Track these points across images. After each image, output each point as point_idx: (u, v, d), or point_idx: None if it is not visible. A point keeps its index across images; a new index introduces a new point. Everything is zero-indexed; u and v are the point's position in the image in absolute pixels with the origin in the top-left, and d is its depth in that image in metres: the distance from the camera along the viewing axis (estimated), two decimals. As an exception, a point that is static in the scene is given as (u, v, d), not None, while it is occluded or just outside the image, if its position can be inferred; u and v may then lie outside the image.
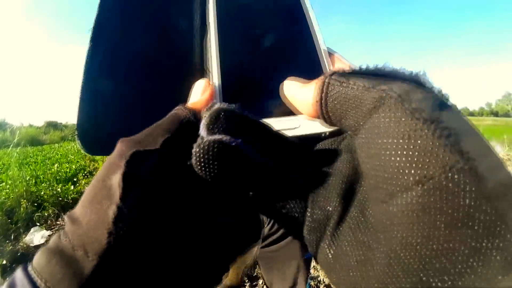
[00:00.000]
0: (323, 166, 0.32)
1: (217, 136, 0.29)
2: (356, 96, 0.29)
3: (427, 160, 0.24)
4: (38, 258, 0.29)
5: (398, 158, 0.25)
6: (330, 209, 0.30)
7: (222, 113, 0.31)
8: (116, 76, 0.46)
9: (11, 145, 8.28)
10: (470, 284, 0.21)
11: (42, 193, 6.23)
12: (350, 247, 0.28)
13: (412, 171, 0.24)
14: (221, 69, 0.40)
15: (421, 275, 0.23)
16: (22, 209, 5.29)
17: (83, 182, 7.75)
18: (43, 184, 7.02)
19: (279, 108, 0.39)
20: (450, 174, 0.23)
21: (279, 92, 0.38)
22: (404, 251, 0.24)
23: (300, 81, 0.36)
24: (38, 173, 8.20)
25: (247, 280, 3.51)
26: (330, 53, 0.43)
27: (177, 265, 0.30)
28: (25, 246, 4.26)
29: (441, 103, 0.26)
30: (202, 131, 0.30)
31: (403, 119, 0.25)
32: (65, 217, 0.31)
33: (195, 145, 0.29)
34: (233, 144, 0.28)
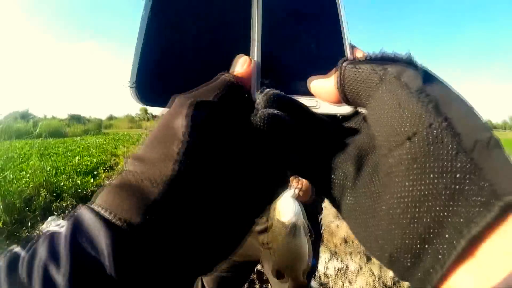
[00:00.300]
0: (344, 138, 0.41)
1: (272, 110, 0.38)
2: (364, 77, 0.36)
3: (413, 121, 0.30)
4: (102, 196, 0.33)
5: (393, 120, 0.32)
6: (348, 169, 0.37)
7: (273, 96, 0.40)
8: (170, 38, 0.51)
9: (33, 136, 8.38)
10: (449, 221, 0.27)
11: (62, 184, 6.32)
12: (364, 197, 0.35)
13: (403, 130, 0.31)
14: (260, 50, 0.48)
15: (414, 214, 0.29)
16: (40, 198, 5.36)
17: (103, 175, 7.86)
18: (63, 176, 7.13)
19: (304, 88, 0.46)
20: (430, 130, 0.29)
21: (309, 86, 0.45)
22: (401, 193, 0.30)
23: (321, 77, 0.43)
24: (58, 165, 8.34)
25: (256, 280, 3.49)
26: (353, 47, 0.50)
27: (226, 196, 0.36)
28: (40, 234, 4.24)
29: (425, 77, 0.33)
30: (258, 106, 0.40)
31: (397, 90, 0.33)
32: (128, 160, 0.36)
33: (254, 113, 0.38)
34: (283, 117, 0.38)
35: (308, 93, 0.45)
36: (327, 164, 0.39)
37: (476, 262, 0.25)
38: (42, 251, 0.30)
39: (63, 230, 0.31)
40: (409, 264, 0.29)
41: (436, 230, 0.27)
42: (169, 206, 0.32)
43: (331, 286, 3.61)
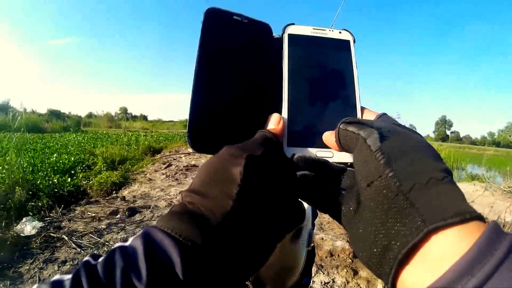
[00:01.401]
0: (352, 180, 0.51)
1: (303, 172, 0.52)
2: (349, 136, 0.50)
3: (371, 173, 0.43)
4: (167, 221, 0.42)
5: (362, 172, 0.45)
6: (352, 205, 0.46)
7: (302, 160, 0.54)
8: (214, 97, 0.61)
9: (11, 130, 8.21)
10: (395, 240, 0.37)
11: (38, 182, 6.20)
12: (358, 221, 0.44)
13: (366, 179, 0.43)
14: (289, 110, 0.60)
15: (375, 236, 0.40)
16: (16, 196, 5.23)
17: (80, 175, 7.75)
18: (39, 173, 7.00)
19: (323, 142, 0.58)
20: (380, 179, 0.41)
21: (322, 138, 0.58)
22: (367, 221, 0.42)
23: (330, 132, 0.56)
24: (36, 162, 8.20)
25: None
26: (362, 108, 0.63)
27: (264, 227, 0.47)
28: (15, 235, 4.19)
29: (381, 138, 0.44)
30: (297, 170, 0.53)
31: (364, 151, 0.45)
32: (185, 193, 0.47)
33: (298, 176, 0.52)
34: (310, 176, 0.52)
35: (326, 146, 0.58)
36: (338, 204, 0.50)
37: (413, 267, 0.36)
38: (119, 261, 0.38)
39: (131, 244, 0.40)
40: (377, 268, 0.40)
41: (389, 246, 0.38)
42: (225, 233, 0.42)
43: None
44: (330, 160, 0.56)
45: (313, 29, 0.66)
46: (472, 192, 7.93)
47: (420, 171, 0.40)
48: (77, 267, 0.38)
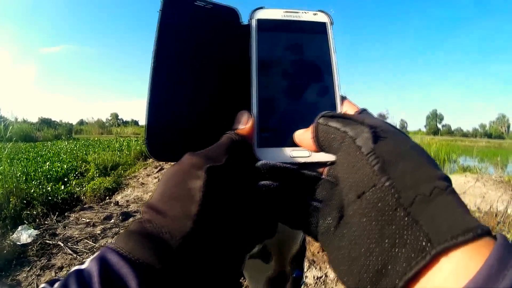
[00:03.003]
0: (329, 189, 0.45)
1: (264, 182, 0.46)
2: (332, 132, 0.45)
3: (362, 182, 0.37)
4: (124, 242, 0.38)
5: (349, 180, 0.40)
6: (331, 220, 0.42)
7: (264, 168, 0.47)
8: (174, 96, 0.55)
9: (3, 140, 8.18)
10: (392, 264, 0.32)
11: (32, 191, 6.17)
12: (339, 239, 0.40)
13: (355, 189, 0.38)
14: (258, 105, 0.53)
15: (366, 258, 0.35)
16: (10, 206, 5.22)
17: (73, 182, 7.72)
18: (33, 182, 6.95)
19: None
20: (375, 190, 0.35)
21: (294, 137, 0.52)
22: (356, 240, 0.36)
23: (304, 129, 0.50)
24: (29, 170, 8.14)
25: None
26: (343, 97, 0.56)
27: (228, 245, 0.43)
28: (11, 244, 4.20)
29: (375, 138, 0.39)
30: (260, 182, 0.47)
31: (352, 153, 0.40)
32: (144, 208, 0.42)
33: (258, 187, 0.46)
34: (273, 186, 0.46)
35: None
36: (315, 218, 0.45)
37: None
38: (73, 286, 0.34)
39: (87, 267, 0.36)
40: None
41: (383, 271, 0.33)
42: (185, 255, 0.38)
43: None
44: (308, 160, 0.51)
45: (285, 12, 0.59)
46: (464, 184, 7.96)
47: (421, 180, 0.35)
48: None
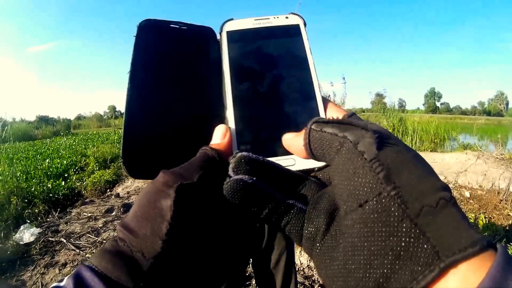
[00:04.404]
0: (315, 192, 0.44)
1: (239, 176, 0.41)
2: (327, 139, 0.41)
3: (365, 190, 0.34)
4: (99, 259, 0.38)
5: (350, 187, 0.36)
6: (319, 225, 0.39)
7: (243, 159, 0.43)
8: (150, 116, 0.56)
9: (2, 140, 8.19)
10: (396, 277, 0.30)
11: (33, 189, 6.20)
12: (330, 248, 0.37)
13: (357, 197, 0.35)
14: (235, 117, 0.52)
15: (366, 270, 0.32)
16: (12, 206, 5.24)
17: (74, 177, 7.74)
18: (33, 180, 7.00)
19: (281, 148, 0.49)
20: (379, 199, 0.33)
21: (282, 142, 0.49)
22: (354, 251, 0.34)
23: (294, 134, 0.47)
24: (29, 169, 8.18)
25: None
26: (325, 100, 0.55)
27: (204, 264, 0.43)
28: (14, 244, 4.21)
29: (380, 144, 0.36)
30: (230, 172, 0.42)
31: (354, 159, 0.36)
32: (119, 226, 0.42)
33: (225, 182, 0.41)
34: (250, 181, 0.41)
35: (285, 153, 0.50)
36: (299, 221, 0.41)
37: None
38: None
39: (64, 285, 0.37)
40: None
41: (385, 285, 0.30)
42: (156, 275, 0.38)
43: (315, 279, 3.62)
44: (292, 168, 0.49)
45: (255, 20, 0.59)
46: (465, 161, 7.98)
47: (426, 190, 0.33)
48: None
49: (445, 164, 8.05)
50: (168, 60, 0.59)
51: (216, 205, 0.44)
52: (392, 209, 0.32)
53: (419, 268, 0.29)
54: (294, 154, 0.49)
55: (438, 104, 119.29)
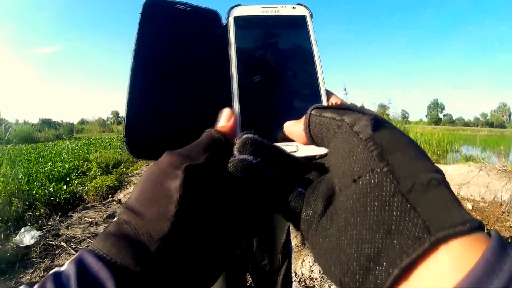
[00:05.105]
0: (315, 177, 0.45)
1: (243, 156, 0.43)
2: (326, 123, 0.43)
3: (359, 166, 0.35)
4: (102, 243, 0.38)
5: (345, 165, 0.37)
6: (317, 208, 0.40)
7: (248, 141, 0.45)
8: (153, 94, 0.56)
9: (4, 142, 8.22)
10: (387, 251, 0.30)
11: (34, 192, 6.17)
12: (325, 228, 0.38)
13: (351, 173, 0.36)
14: (240, 101, 0.53)
15: (358, 245, 0.33)
16: (13, 208, 5.24)
17: (76, 182, 7.74)
18: (35, 183, 6.96)
19: (283, 135, 0.51)
20: (372, 175, 0.34)
21: (284, 130, 0.51)
22: (346, 226, 0.34)
23: (295, 121, 0.49)
24: (30, 172, 8.15)
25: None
26: (329, 93, 0.56)
27: (209, 244, 0.41)
28: (14, 246, 4.20)
29: (375, 126, 0.37)
30: (235, 152, 0.44)
31: (349, 139, 0.38)
32: (122, 209, 0.41)
33: (230, 161, 0.43)
34: (254, 162, 0.42)
35: (287, 140, 0.51)
36: (298, 203, 0.42)
37: (410, 284, 0.29)
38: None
39: (65, 269, 0.36)
40: None
41: (376, 259, 0.31)
42: (163, 257, 0.37)
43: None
44: (295, 155, 0.50)
45: (263, 7, 0.60)
46: (467, 173, 7.93)
47: (419, 170, 0.34)
48: None
49: (448, 176, 7.87)
50: (173, 39, 0.60)
51: (221, 187, 0.43)
52: (384, 184, 0.33)
53: (409, 242, 0.29)
54: (295, 141, 0.50)
55: (441, 115, 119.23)
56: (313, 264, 3.89)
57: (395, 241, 0.30)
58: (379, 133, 0.37)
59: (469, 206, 5.79)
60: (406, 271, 0.29)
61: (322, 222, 0.39)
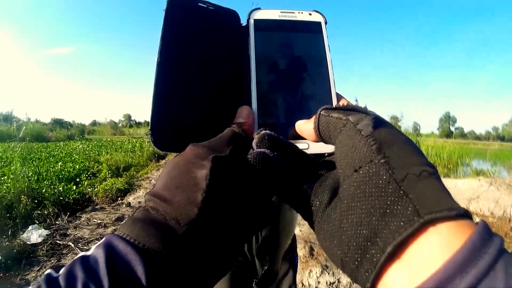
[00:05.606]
0: (323, 172, 0.49)
1: (262, 149, 0.47)
2: (333, 122, 0.47)
3: (360, 158, 0.40)
4: (130, 229, 0.40)
5: (348, 157, 0.41)
6: (323, 199, 0.43)
7: (266, 136, 0.49)
8: (178, 89, 0.58)
9: (16, 140, 8.26)
10: (382, 232, 0.34)
11: (44, 190, 6.24)
12: (329, 215, 0.42)
13: (353, 164, 0.40)
14: (258, 100, 0.57)
15: (357, 227, 0.37)
16: (21, 205, 5.27)
17: (85, 183, 7.77)
18: (45, 182, 7.03)
19: (296, 134, 0.55)
20: (371, 165, 0.38)
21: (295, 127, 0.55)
22: (348, 211, 0.38)
23: (306, 120, 0.54)
24: (40, 170, 8.21)
25: None
26: (339, 96, 0.61)
27: (229, 230, 0.45)
28: (21, 243, 4.23)
29: (376, 125, 0.42)
30: (254, 146, 0.49)
31: (353, 135, 0.42)
32: (149, 196, 0.45)
33: (249, 153, 0.47)
34: (271, 155, 0.46)
35: (299, 138, 0.55)
36: (307, 195, 0.46)
37: (401, 263, 0.33)
38: (80, 273, 0.36)
39: (92, 253, 0.38)
40: (354, 267, 0.36)
41: (372, 239, 0.35)
42: (190, 241, 0.40)
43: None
44: (306, 152, 0.53)
45: (281, 12, 0.63)
46: (477, 188, 7.89)
47: (412, 163, 0.38)
48: (39, 281, 0.37)
49: (458, 190, 7.96)
50: (197, 35, 0.61)
51: (241, 177, 0.48)
52: (381, 173, 0.37)
53: (401, 224, 0.33)
54: (306, 138, 0.54)
55: (452, 128, 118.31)
56: (320, 275, 3.88)
57: (389, 223, 0.34)
58: (378, 131, 0.41)
59: (477, 220, 5.77)
60: (398, 250, 0.33)
61: (328, 211, 0.42)
